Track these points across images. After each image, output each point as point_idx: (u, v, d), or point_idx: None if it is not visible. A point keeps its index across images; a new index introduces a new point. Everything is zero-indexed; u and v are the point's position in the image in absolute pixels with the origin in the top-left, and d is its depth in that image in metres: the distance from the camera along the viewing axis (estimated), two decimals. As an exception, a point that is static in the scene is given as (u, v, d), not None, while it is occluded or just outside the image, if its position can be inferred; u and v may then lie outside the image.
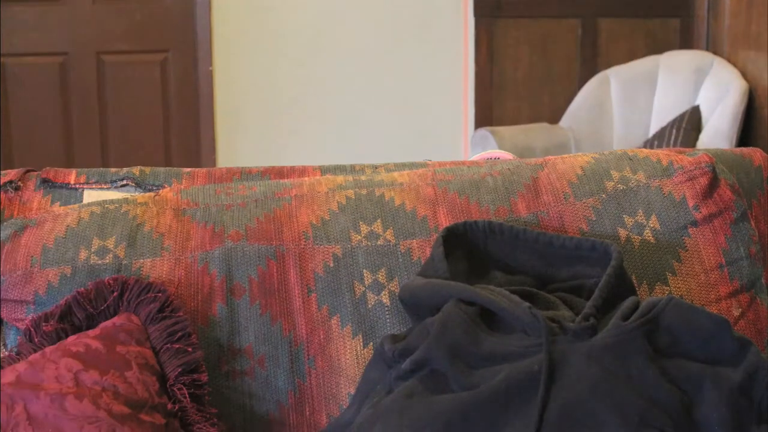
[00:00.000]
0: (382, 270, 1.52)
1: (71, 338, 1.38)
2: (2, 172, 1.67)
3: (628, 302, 1.32)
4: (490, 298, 1.31)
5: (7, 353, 1.43)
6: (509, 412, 1.21)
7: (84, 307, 1.44)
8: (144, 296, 1.44)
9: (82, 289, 1.45)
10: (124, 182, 1.68)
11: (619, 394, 1.20)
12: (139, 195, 1.63)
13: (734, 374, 1.25)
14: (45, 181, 1.66)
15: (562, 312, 1.32)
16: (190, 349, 1.41)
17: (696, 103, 4.36)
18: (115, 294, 1.45)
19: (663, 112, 4.50)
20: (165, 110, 4.74)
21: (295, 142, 4.76)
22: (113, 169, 1.70)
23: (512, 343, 1.27)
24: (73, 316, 1.44)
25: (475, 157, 1.90)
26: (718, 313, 1.45)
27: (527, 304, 1.29)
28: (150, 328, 1.42)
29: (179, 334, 1.42)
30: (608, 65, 4.75)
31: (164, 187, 1.66)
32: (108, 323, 1.41)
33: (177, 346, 1.40)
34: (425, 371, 1.28)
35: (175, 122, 4.76)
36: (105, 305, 1.44)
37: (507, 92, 4.81)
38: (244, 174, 1.71)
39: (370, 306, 1.50)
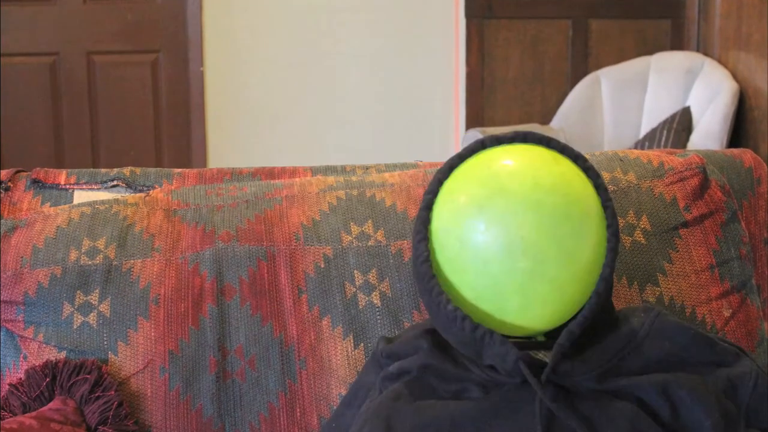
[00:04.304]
0: (373, 271, 1.52)
1: (6, 420, 1.37)
2: (-8, 172, 1.67)
3: (610, 335, 1.27)
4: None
5: None
6: (500, 418, 1.20)
7: (18, 397, 1.43)
8: (75, 378, 1.43)
9: (17, 380, 1.45)
10: (115, 183, 1.67)
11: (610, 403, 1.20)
12: (129, 195, 1.62)
13: (721, 381, 1.25)
14: (35, 182, 1.65)
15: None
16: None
17: (687, 104, 4.36)
18: (48, 380, 1.44)
19: (654, 113, 4.51)
20: (156, 111, 4.74)
21: (285, 143, 4.75)
22: (104, 170, 1.70)
23: (500, 376, 1.24)
24: (10, 407, 1.43)
25: (466, 158, 1.89)
26: (703, 325, 1.46)
27: (514, 355, 1.20)
28: (86, 408, 1.42)
29: (110, 414, 1.41)
30: (599, 66, 4.75)
31: (155, 188, 1.66)
32: (44, 409, 1.40)
33: (109, 430, 1.40)
34: (411, 376, 1.27)
35: (166, 123, 4.75)
36: (39, 392, 1.43)
37: (498, 93, 4.81)
38: (235, 175, 1.71)
39: (360, 307, 1.50)
